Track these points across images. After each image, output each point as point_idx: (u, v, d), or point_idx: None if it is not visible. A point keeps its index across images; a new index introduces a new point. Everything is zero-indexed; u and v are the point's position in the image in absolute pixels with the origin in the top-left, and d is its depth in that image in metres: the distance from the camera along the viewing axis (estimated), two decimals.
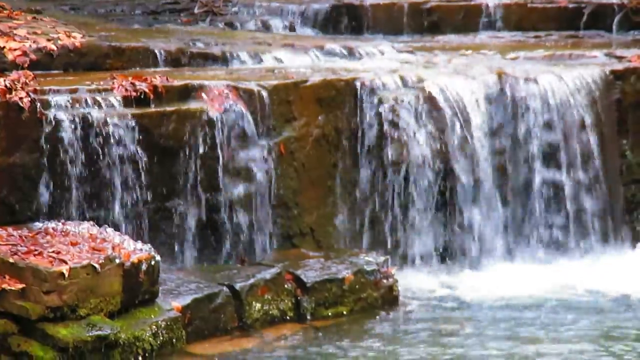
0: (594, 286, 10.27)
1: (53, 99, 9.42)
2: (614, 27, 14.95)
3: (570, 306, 9.82)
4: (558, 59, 12.28)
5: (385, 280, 9.80)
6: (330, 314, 9.51)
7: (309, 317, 9.42)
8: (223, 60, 11.45)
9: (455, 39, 14.06)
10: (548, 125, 11.11)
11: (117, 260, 8.34)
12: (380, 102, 10.66)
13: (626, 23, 14.94)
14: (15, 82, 9.42)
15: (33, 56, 10.39)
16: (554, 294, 10.05)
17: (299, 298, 9.46)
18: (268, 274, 9.44)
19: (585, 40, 14.11)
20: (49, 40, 10.77)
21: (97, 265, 8.21)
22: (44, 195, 9.30)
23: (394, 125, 10.63)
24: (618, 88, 11.63)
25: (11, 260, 8.13)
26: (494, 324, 9.39)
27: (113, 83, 9.86)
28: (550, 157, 11.11)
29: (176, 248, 9.86)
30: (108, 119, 9.52)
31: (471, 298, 10.00)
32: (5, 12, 11.78)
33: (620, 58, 12.12)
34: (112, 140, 9.51)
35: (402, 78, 10.91)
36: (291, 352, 8.78)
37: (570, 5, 15.16)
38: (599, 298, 10.02)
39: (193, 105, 9.96)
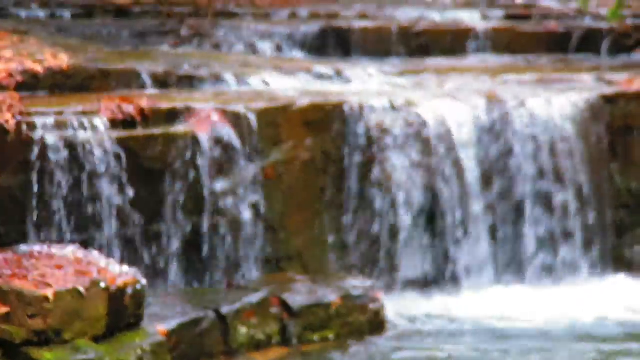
0: (579, 312, 10.30)
1: (39, 121, 9.45)
2: (604, 51, 15.05)
3: (557, 334, 9.85)
4: (547, 82, 12.32)
5: (372, 305, 9.82)
6: (316, 338, 9.52)
7: (295, 341, 9.43)
8: (210, 82, 11.48)
9: (444, 62, 14.10)
10: (537, 149, 11.15)
11: (103, 284, 8.35)
12: (369, 125, 10.69)
13: (615, 47, 15.04)
14: (1, 104, 9.44)
15: (19, 77, 10.41)
16: (540, 320, 10.07)
17: (285, 322, 9.48)
18: (254, 298, 9.46)
19: (574, 64, 14.17)
20: (35, 61, 10.79)
21: (82, 289, 8.22)
22: (30, 217, 9.33)
23: (382, 148, 10.67)
24: (607, 112, 11.68)
25: None
26: (479, 350, 9.42)
27: (99, 105, 9.89)
28: (538, 180, 11.15)
29: (162, 271, 9.86)
30: (94, 142, 9.55)
31: (458, 324, 10.02)
32: None
33: (609, 82, 12.17)
34: (98, 163, 9.53)
35: (390, 101, 10.94)
36: None
37: (560, 30, 15.26)
38: (582, 324, 10.05)
39: (180, 128, 9.98)
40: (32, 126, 9.38)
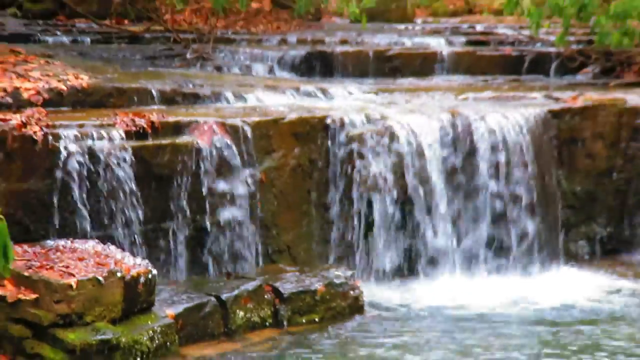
0: (532, 300, 10.28)
1: (63, 132, 9.42)
2: (552, 72, 15.09)
3: (510, 317, 9.83)
4: (503, 99, 12.34)
5: (352, 292, 9.81)
6: (304, 320, 9.50)
7: (285, 324, 9.41)
8: (212, 99, 11.46)
9: (414, 81, 14.13)
10: (494, 157, 11.15)
11: (119, 274, 8.34)
12: (349, 136, 10.70)
13: (562, 69, 15.10)
14: (30, 118, 9.43)
15: (45, 95, 10.39)
16: (497, 306, 10.04)
17: (277, 307, 9.46)
18: (250, 286, 9.43)
19: (526, 83, 14.22)
20: (59, 81, 10.77)
21: (101, 278, 8.21)
22: (55, 216, 9.31)
23: (360, 156, 10.66)
24: (555, 125, 11.69)
25: (26, 273, 8.13)
26: (444, 331, 9.41)
27: (115, 119, 9.87)
28: (496, 184, 11.15)
29: (170, 263, 9.85)
30: (111, 150, 9.54)
31: (426, 308, 10.00)
32: (21, 56, 11.80)
33: (556, 99, 12.19)
34: (114, 169, 9.52)
35: (367, 115, 10.93)
36: (268, 353, 8.77)
37: (514, 53, 15.32)
38: (536, 310, 10.02)
39: (185, 138, 9.96)
40: (56, 137, 9.35)
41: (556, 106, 11.88)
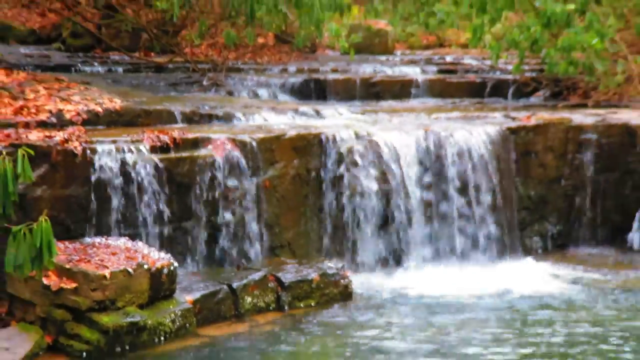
0: (495, 287, 10.20)
1: (99, 147, 9.39)
2: (509, 95, 15.07)
3: (477, 302, 9.78)
4: (469, 118, 12.30)
5: (342, 281, 9.76)
6: (302, 305, 9.45)
7: (286, 308, 9.36)
8: (224, 119, 11.43)
9: (394, 104, 14.11)
10: (462, 167, 11.12)
11: (145, 266, 8.31)
12: (339, 150, 10.65)
13: (518, 93, 15.08)
14: (71, 135, 9.39)
15: (84, 116, 10.38)
16: (464, 292, 9.97)
17: (279, 294, 9.41)
18: (257, 276, 9.39)
19: (488, 105, 14.19)
20: (96, 104, 10.75)
21: (130, 270, 8.18)
22: (92, 217, 9.27)
23: (349, 166, 10.62)
24: (512, 140, 11.66)
25: (67, 266, 8.09)
26: (421, 314, 9.36)
27: (143, 136, 9.84)
28: (463, 189, 11.11)
29: (189, 256, 9.80)
30: (139, 162, 9.50)
31: (405, 295, 9.93)
32: (64, 83, 11.76)
33: (513, 118, 12.15)
34: (142, 177, 9.48)
35: (355, 132, 10.89)
36: (272, 331, 8.77)
37: (478, 80, 15.29)
38: (497, 294, 9.96)
39: (202, 152, 9.93)
40: (93, 151, 9.32)
41: (513, 124, 11.84)
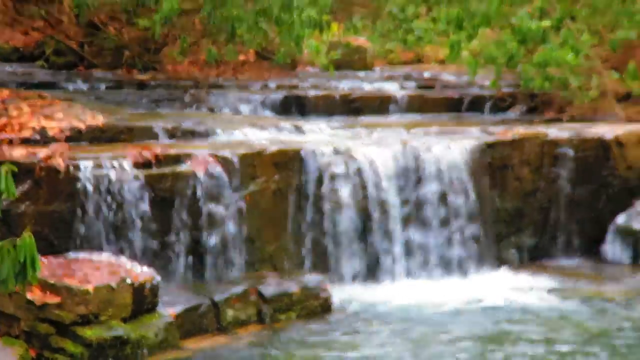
0: (472, 297, 10.29)
1: (82, 163, 9.40)
2: (486, 110, 15.14)
3: (456, 311, 9.86)
4: (447, 133, 12.35)
5: (322, 294, 9.80)
6: (283, 317, 9.49)
7: (268, 320, 9.39)
8: (206, 135, 11.44)
9: (373, 119, 14.12)
10: (440, 180, 11.18)
11: (128, 281, 8.33)
12: (319, 165, 10.69)
13: (495, 108, 15.16)
14: (55, 151, 9.41)
15: (67, 132, 10.36)
16: (442, 303, 10.05)
17: (260, 307, 9.45)
18: (238, 289, 9.43)
19: (466, 120, 14.26)
20: (79, 121, 10.74)
21: (113, 285, 8.21)
22: (75, 233, 9.28)
23: (329, 181, 10.66)
24: (489, 154, 11.72)
25: (51, 281, 8.11)
26: (400, 325, 9.42)
27: (126, 152, 9.86)
28: (441, 202, 11.16)
29: (172, 270, 9.81)
30: (122, 178, 9.52)
31: (384, 306, 9.99)
32: (47, 100, 11.75)
33: (490, 133, 12.21)
34: (125, 193, 9.50)
35: (334, 147, 10.93)
36: (254, 343, 8.80)
37: (455, 96, 15.36)
38: (472, 305, 10.03)
39: (184, 168, 9.94)
40: (76, 167, 9.33)
41: (490, 138, 11.91)
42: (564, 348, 8.59)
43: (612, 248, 11.95)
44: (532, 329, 9.15)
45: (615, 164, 12.28)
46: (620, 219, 11.99)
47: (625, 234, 11.89)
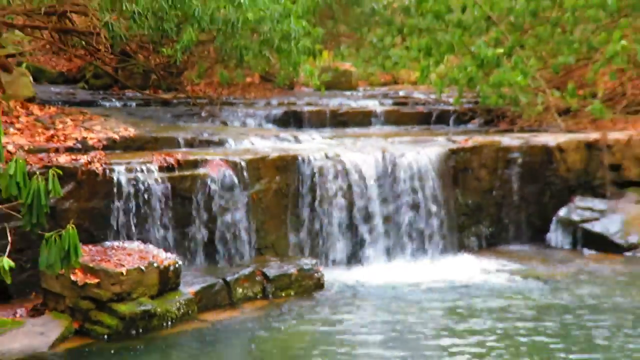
0: (440, 277, 10.28)
1: (116, 167, 9.40)
2: (451, 123, 15.17)
3: (426, 289, 9.84)
4: (418, 142, 12.36)
5: (316, 274, 9.79)
6: (283, 294, 9.47)
7: (271, 297, 9.38)
8: (219, 144, 11.43)
9: (357, 130, 14.17)
10: (412, 180, 11.18)
11: (155, 264, 8.33)
12: (313, 168, 10.69)
13: (458, 120, 15.20)
14: (93, 158, 9.41)
15: (104, 142, 10.36)
16: (415, 282, 10.04)
17: (265, 285, 9.43)
18: (246, 271, 9.42)
19: (434, 131, 14.28)
20: (114, 132, 10.74)
21: (143, 268, 8.20)
22: (111, 225, 9.27)
23: (320, 181, 10.66)
24: (453, 159, 11.74)
25: (91, 265, 8.10)
26: (381, 300, 9.41)
27: (152, 158, 9.85)
28: (413, 199, 11.16)
29: (191, 256, 9.80)
30: (149, 179, 9.51)
31: (368, 285, 9.98)
32: (87, 115, 11.75)
33: (454, 141, 12.22)
34: (152, 192, 9.49)
35: (325, 153, 10.93)
36: (259, 315, 8.79)
37: (425, 110, 15.39)
38: (440, 283, 10.02)
39: (201, 170, 9.94)
40: (112, 171, 9.33)
41: (454, 146, 11.91)
42: (518, 319, 8.59)
43: (555, 236, 11.96)
44: (490, 303, 9.14)
45: (557, 167, 12.29)
46: (562, 212, 12.01)
47: (566, 224, 11.91)
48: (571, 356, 7.48)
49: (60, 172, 6.50)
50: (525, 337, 8.01)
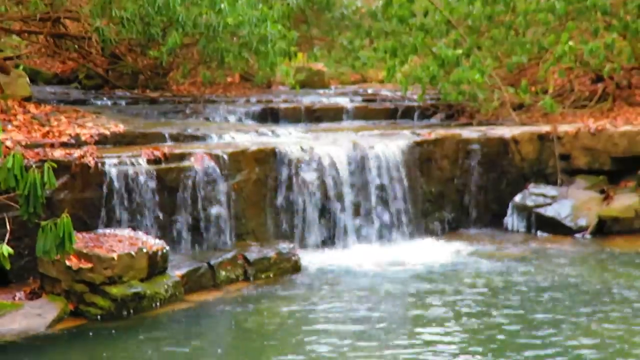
0: (406, 259, 10.26)
1: (107, 161, 9.32)
2: (415, 118, 15.20)
3: (393, 270, 9.84)
4: (386, 135, 12.36)
5: (293, 257, 9.77)
6: (263, 276, 9.45)
7: (252, 279, 9.36)
8: (203, 138, 11.37)
9: (330, 125, 14.16)
10: (380, 170, 11.18)
11: (144, 250, 8.27)
12: (289, 159, 10.66)
13: (421, 115, 15.23)
14: (86, 152, 9.32)
15: (96, 137, 10.29)
16: (384, 263, 10.03)
17: (246, 268, 9.41)
18: (229, 255, 9.39)
19: (400, 125, 14.29)
20: (105, 128, 10.66)
21: (133, 253, 8.14)
22: (102, 214, 9.19)
23: (297, 172, 10.63)
24: (418, 150, 11.74)
25: (84, 251, 8.03)
26: (351, 279, 9.41)
27: (141, 152, 9.78)
28: (381, 187, 11.17)
29: (178, 242, 9.73)
30: (138, 171, 9.44)
31: (340, 266, 9.95)
32: (80, 113, 11.66)
33: (418, 134, 12.23)
34: (141, 183, 9.41)
35: (301, 146, 10.90)
36: (241, 296, 8.75)
37: (392, 106, 15.41)
38: (408, 266, 10.01)
39: (186, 163, 9.88)
40: (103, 164, 9.25)
41: (418, 138, 11.92)
42: (478, 296, 8.62)
43: (512, 220, 12.00)
44: (453, 283, 9.15)
45: (512, 157, 12.34)
46: (517, 198, 12.05)
47: (521, 209, 11.95)
48: (521, 332, 7.51)
49: (55, 166, 6.43)
50: (481, 311, 8.05)
